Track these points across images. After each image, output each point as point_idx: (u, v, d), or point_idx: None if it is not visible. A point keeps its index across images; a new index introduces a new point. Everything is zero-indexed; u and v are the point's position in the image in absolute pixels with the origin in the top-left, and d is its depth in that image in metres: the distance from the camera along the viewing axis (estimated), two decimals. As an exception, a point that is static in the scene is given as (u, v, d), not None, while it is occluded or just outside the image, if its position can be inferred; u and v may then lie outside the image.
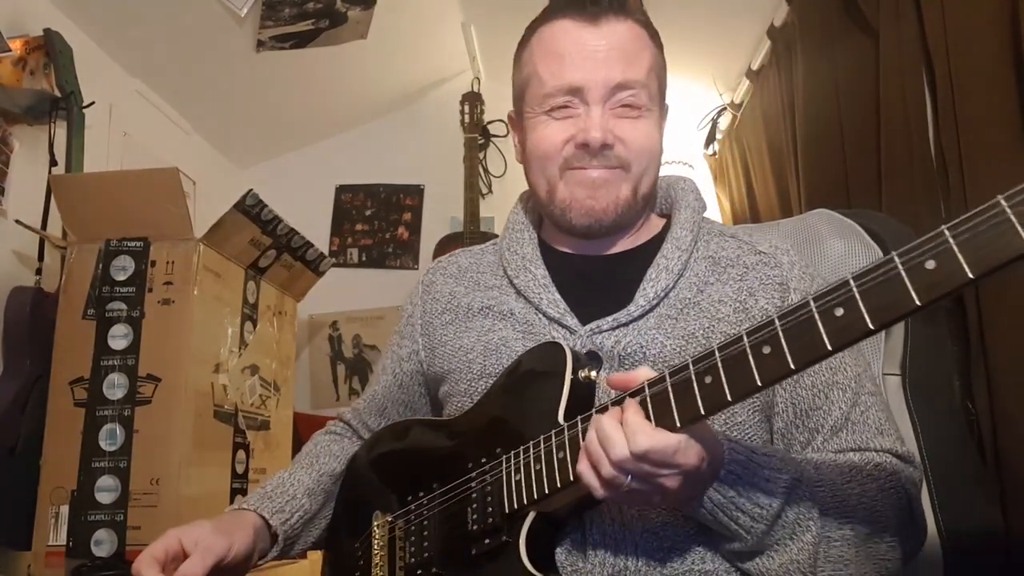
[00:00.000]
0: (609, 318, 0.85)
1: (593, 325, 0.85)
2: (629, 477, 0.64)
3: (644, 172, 0.89)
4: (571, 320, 0.86)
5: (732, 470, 0.69)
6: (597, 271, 0.92)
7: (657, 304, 0.85)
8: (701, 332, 0.83)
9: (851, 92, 1.71)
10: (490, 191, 3.20)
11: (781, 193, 2.22)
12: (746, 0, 2.25)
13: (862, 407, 0.82)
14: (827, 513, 0.73)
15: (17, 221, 1.76)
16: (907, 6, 1.46)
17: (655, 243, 0.92)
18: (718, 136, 2.87)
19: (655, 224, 0.97)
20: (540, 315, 0.89)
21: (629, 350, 0.83)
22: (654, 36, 0.92)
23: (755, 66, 2.43)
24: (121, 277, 1.58)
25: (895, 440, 0.82)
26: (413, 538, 0.85)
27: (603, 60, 0.86)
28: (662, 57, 0.92)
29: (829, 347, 0.55)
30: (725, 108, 2.75)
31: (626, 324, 0.85)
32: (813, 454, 0.81)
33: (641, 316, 0.85)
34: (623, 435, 0.64)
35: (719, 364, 0.61)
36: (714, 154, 2.91)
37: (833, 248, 1.02)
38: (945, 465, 0.96)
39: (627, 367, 0.82)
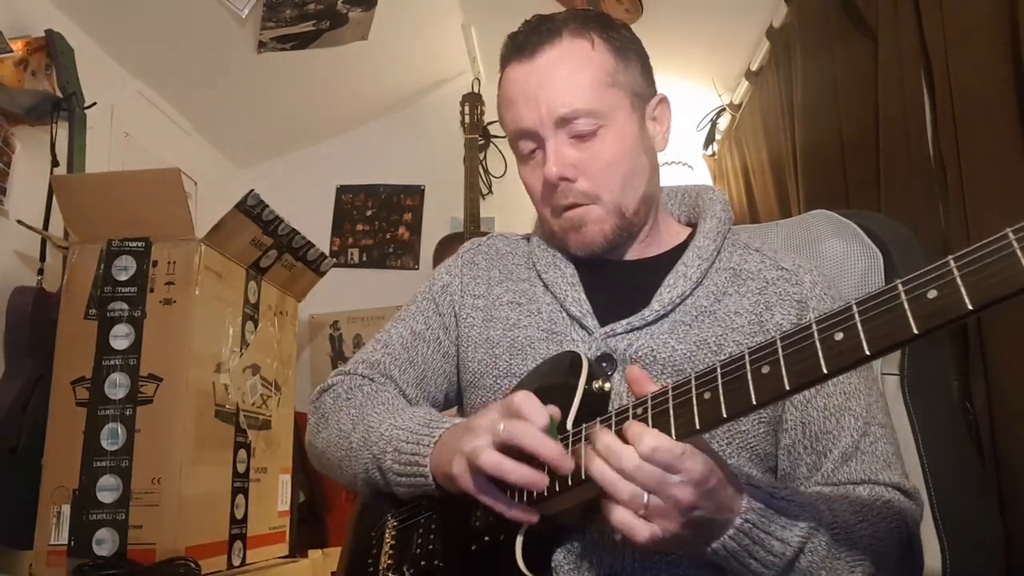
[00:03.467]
0: (623, 321, 0.86)
1: (608, 328, 0.87)
2: (647, 497, 0.64)
3: (622, 191, 0.89)
4: (590, 321, 0.88)
5: (749, 519, 0.68)
6: (620, 276, 0.93)
7: (672, 310, 0.87)
8: (714, 340, 0.84)
9: (850, 93, 1.71)
10: (490, 191, 3.21)
11: (780, 194, 2.22)
12: (745, 1, 2.26)
13: (872, 437, 0.82)
14: (840, 556, 0.72)
15: (19, 221, 1.76)
16: (906, 8, 1.46)
17: (678, 251, 0.93)
18: (717, 137, 2.87)
19: (680, 233, 0.98)
20: (563, 313, 0.91)
21: (640, 353, 0.84)
22: (606, 38, 0.89)
23: (754, 67, 2.43)
24: (123, 277, 1.58)
25: (901, 475, 0.82)
26: (421, 529, 0.86)
27: (542, 97, 0.87)
28: (622, 56, 0.90)
29: (825, 371, 0.56)
30: (724, 109, 2.75)
31: (640, 328, 0.86)
32: (824, 489, 0.81)
33: (655, 320, 0.86)
34: (627, 446, 0.64)
35: (719, 381, 0.62)
36: (713, 155, 2.91)
37: (832, 248, 1.03)
38: (943, 465, 0.96)
39: None
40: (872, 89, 1.59)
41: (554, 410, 0.73)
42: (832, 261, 1.02)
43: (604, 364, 0.85)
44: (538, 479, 0.70)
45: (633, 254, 0.95)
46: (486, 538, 0.78)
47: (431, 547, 0.84)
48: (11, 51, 1.81)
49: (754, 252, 0.93)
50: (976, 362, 1.22)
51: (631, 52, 0.92)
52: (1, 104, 1.80)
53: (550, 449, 0.69)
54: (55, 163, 1.87)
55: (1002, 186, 1.16)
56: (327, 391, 1.00)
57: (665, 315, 0.86)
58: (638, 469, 0.63)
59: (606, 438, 0.66)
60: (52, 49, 1.92)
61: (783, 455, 0.84)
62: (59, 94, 1.90)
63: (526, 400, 0.71)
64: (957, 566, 0.93)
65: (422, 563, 0.84)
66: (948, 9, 1.31)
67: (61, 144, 1.88)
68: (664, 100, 0.95)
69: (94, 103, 1.94)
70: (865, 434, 0.82)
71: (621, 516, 0.65)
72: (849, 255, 1.02)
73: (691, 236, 0.95)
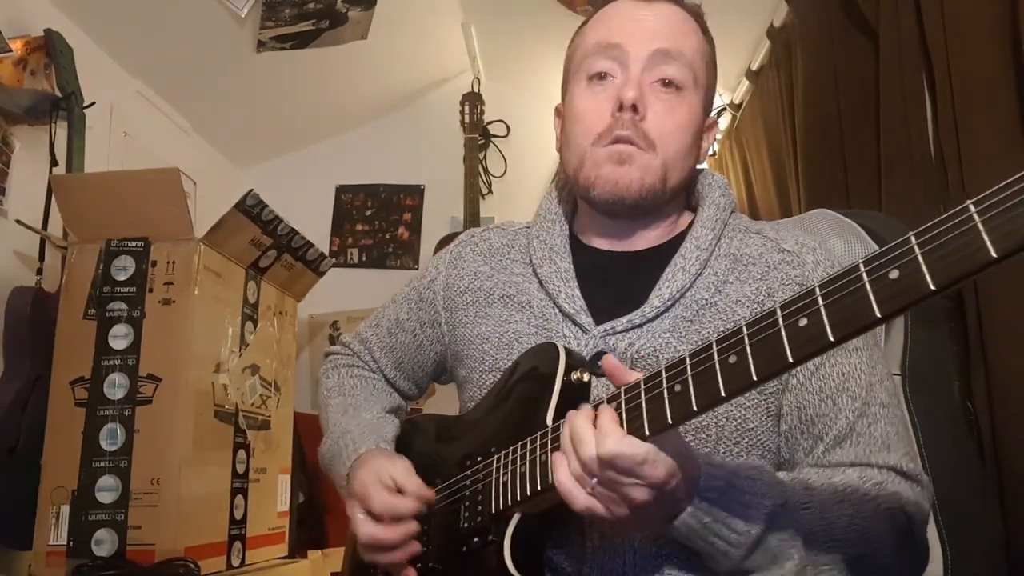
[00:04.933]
0: (623, 319, 0.84)
1: (607, 325, 0.84)
2: (595, 480, 0.63)
3: (674, 159, 0.86)
4: (585, 318, 0.85)
5: (708, 497, 0.67)
6: (620, 268, 0.90)
7: (672, 305, 0.84)
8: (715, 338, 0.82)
9: (850, 92, 1.71)
10: (490, 191, 3.21)
11: (781, 193, 2.22)
12: (746, 0, 2.26)
13: (870, 418, 0.79)
14: (814, 537, 0.70)
15: (18, 221, 1.76)
16: (906, 6, 1.46)
17: (679, 240, 0.90)
18: (718, 136, 2.87)
19: (683, 220, 0.95)
20: (556, 310, 0.88)
21: (643, 353, 0.82)
22: (705, 30, 0.92)
23: (755, 66, 2.43)
24: (122, 277, 1.58)
25: (902, 456, 0.78)
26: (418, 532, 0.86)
27: (648, 27, 0.86)
28: (712, 52, 0.91)
29: (791, 359, 0.53)
30: (725, 108, 2.75)
31: (640, 325, 0.83)
32: (810, 470, 0.79)
33: (656, 317, 0.83)
34: (593, 436, 0.63)
35: (688, 373, 0.60)
36: (714, 154, 2.91)
37: (833, 248, 1.02)
38: (944, 465, 0.96)
39: (639, 371, 0.81)
40: (873, 88, 1.59)
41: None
42: (833, 260, 1.01)
43: (600, 363, 0.83)
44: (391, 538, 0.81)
45: (640, 242, 0.91)
46: (475, 539, 0.78)
47: (427, 549, 0.84)
48: (10, 50, 1.81)
49: (755, 235, 0.90)
50: (977, 361, 1.21)
51: (715, 66, 0.93)
52: (0, 104, 1.80)
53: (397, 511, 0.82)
54: (54, 163, 1.86)
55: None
56: (328, 357, 1.13)
57: (665, 310, 0.84)
58: (592, 462, 0.63)
59: (578, 424, 0.65)
60: (51, 48, 1.91)
61: (782, 442, 0.82)
62: (58, 93, 1.90)
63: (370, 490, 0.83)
64: (958, 566, 0.93)
65: (418, 565, 0.84)
66: (949, 7, 1.31)
67: (60, 144, 1.87)
68: (716, 123, 0.96)
69: (93, 103, 1.93)
70: (863, 415, 0.79)
71: (563, 479, 0.65)
72: (850, 254, 1.01)
73: (691, 224, 0.92)
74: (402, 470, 0.84)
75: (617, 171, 0.85)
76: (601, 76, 0.88)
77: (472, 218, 2.89)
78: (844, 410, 0.79)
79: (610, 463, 0.61)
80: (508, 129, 3.23)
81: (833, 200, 1.71)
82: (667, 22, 0.87)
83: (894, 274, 0.49)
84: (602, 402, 0.67)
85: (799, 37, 2.03)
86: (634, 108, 0.84)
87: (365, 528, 0.82)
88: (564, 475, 0.66)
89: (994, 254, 0.45)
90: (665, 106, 0.85)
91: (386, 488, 0.83)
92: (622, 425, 0.64)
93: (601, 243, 0.93)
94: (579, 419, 0.65)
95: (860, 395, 0.79)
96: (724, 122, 2.80)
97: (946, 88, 1.30)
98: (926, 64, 1.41)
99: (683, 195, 0.95)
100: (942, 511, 0.93)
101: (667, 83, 0.86)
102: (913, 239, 0.48)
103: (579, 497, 0.65)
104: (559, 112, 0.99)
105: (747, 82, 2.52)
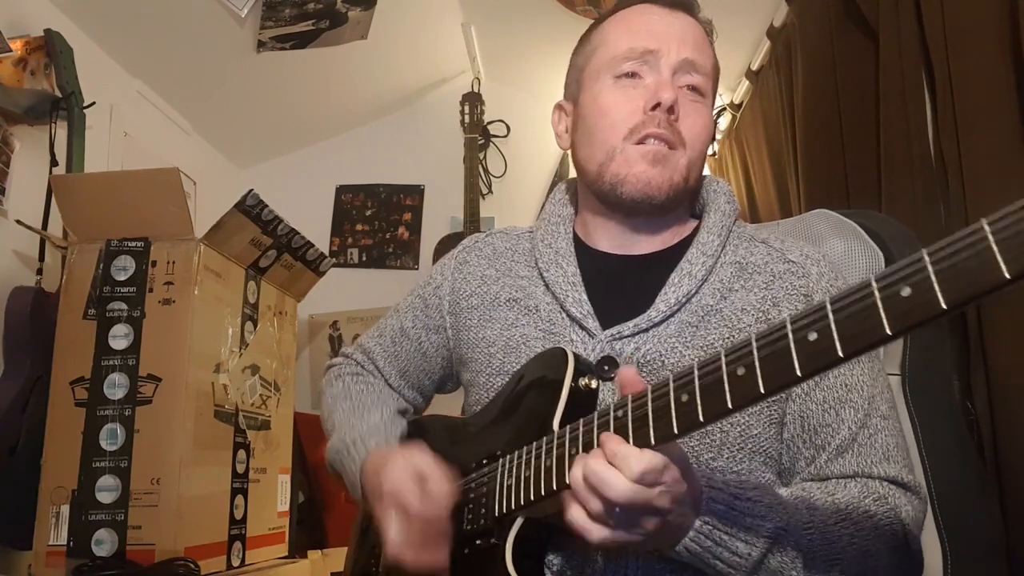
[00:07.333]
0: (630, 323, 0.84)
1: (614, 330, 0.84)
2: (617, 509, 0.62)
3: (696, 160, 0.89)
4: (592, 323, 0.86)
5: (708, 521, 0.67)
6: (626, 272, 0.91)
7: (678, 310, 0.84)
8: (720, 344, 0.82)
9: (851, 92, 1.71)
10: (490, 191, 3.21)
11: (781, 193, 2.22)
12: (746, 0, 2.25)
13: (871, 430, 0.80)
14: (815, 556, 0.71)
15: (18, 221, 1.76)
16: (907, 6, 1.46)
17: (684, 246, 0.90)
18: (718, 136, 2.87)
19: (688, 226, 0.96)
20: (563, 314, 0.88)
21: (648, 358, 0.82)
22: (713, 49, 0.95)
23: (755, 66, 2.43)
24: (122, 277, 1.58)
25: (901, 468, 0.80)
26: None
27: (678, 35, 0.89)
28: (718, 70, 0.95)
29: (799, 373, 0.53)
30: (725, 108, 2.75)
31: (646, 330, 0.83)
32: (811, 485, 0.79)
33: (662, 321, 0.84)
34: (614, 472, 0.61)
35: (696, 383, 0.59)
36: (714, 154, 2.91)
37: (833, 248, 1.02)
38: (944, 465, 0.96)
39: (644, 375, 0.81)
40: (873, 88, 1.59)
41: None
42: (833, 260, 1.01)
43: (606, 367, 0.83)
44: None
45: (645, 246, 0.92)
46: (477, 542, 0.78)
47: None
48: (10, 50, 1.81)
49: (760, 244, 0.91)
50: (977, 362, 1.21)
51: (717, 83, 0.97)
52: (0, 104, 1.80)
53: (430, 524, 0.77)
54: (54, 163, 1.86)
55: (1003, 185, 1.16)
56: (330, 368, 1.12)
57: (671, 315, 0.84)
58: (627, 498, 0.61)
59: (595, 467, 0.62)
60: (51, 48, 1.91)
61: (784, 450, 0.83)
62: (58, 94, 1.90)
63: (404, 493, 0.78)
64: (958, 566, 0.93)
65: None
66: (949, 7, 1.31)
67: (60, 144, 1.87)
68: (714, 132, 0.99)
69: (93, 103, 1.93)
70: (864, 426, 0.80)
71: (576, 516, 0.64)
72: (850, 254, 1.01)
73: (696, 230, 0.93)
74: (430, 463, 0.81)
75: (650, 171, 0.86)
76: (631, 75, 0.89)
77: (472, 218, 2.89)
78: (847, 421, 0.80)
79: (640, 481, 0.61)
80: (508, 129, 3.23)
81: (833, 200, 1.71)
82: (693, 34, 0.91)
83: (906, 291, 0.48)
84: (607, 414, 0.66)
85: (799, 37, 2.03)
86: (670, 109, 0.86)
87: (406, 554, 0.77)
88: (580, 516, 0.64)
89: (1007, 275, 0.44)
90: (693, 110, 0.89)
91: (418, 484, 0.79)
92: (628, 435, 0.63)
93: (606, 246, 0.94)
94: (594, 462, 0.63)
95: (862, 406, 0.80)
96: (724, 122, 2.80)
97: (946, 88, 1.30)
98: (926, 64, 1.41)
99: (688, 200, 0.95)
100: (942, 511, 0.94)
101: (692, 89, 0.89)
102: (926, 256, 0.47)
103: (595, 531, 0.64)
104: (562, 108, 0.99)
105: (747, 82, 2.52)
